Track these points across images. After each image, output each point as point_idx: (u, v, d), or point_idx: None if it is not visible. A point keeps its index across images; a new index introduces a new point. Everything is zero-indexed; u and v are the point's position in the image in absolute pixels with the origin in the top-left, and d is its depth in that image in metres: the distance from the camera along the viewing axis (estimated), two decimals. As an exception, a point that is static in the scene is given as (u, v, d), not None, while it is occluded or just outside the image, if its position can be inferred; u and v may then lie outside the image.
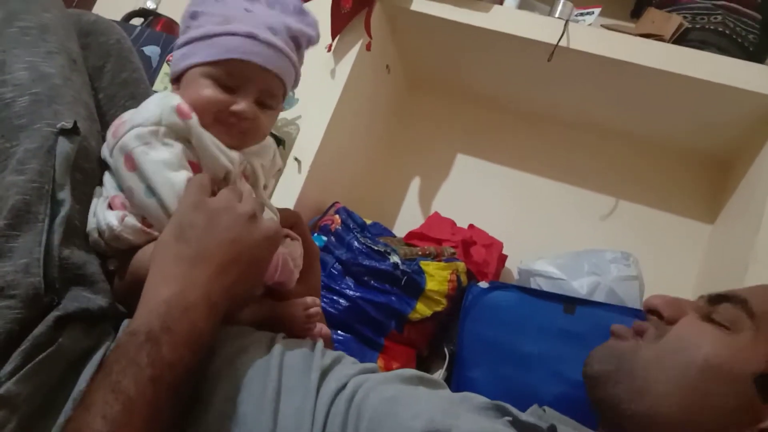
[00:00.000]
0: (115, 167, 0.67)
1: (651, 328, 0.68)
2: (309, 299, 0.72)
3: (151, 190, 0.65)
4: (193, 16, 0.71)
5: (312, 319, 0.71)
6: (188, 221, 0.61)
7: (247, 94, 0.69)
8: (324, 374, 0.60)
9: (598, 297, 1.10)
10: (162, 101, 0.67)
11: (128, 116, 0.69)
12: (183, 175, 0.65)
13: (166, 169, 0.64)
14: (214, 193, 0.65)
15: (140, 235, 0.66)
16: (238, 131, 0.70)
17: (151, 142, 0.65)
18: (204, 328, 0.56)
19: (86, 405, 0.49)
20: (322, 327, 0.73)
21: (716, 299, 0.66)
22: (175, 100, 0.67)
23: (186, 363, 0.53)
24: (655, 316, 0.69)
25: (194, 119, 0.67)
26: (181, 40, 0.72)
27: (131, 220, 0.65)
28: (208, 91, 0.68)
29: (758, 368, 0.60)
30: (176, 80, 0.72)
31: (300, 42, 0.74)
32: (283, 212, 0.78)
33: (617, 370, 0.66)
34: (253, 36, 0.68)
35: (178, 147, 0.66)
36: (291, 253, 0.72)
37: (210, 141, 0.67)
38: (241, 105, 0.68)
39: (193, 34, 0.70)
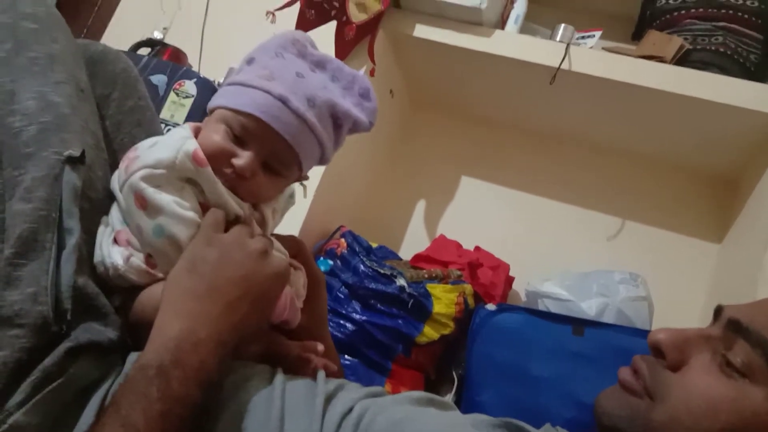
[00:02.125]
0: (126, 203, 0.67)
1: (646, 374, 0.62)
2: (311, 344, 0.71)
3: (161, 230, 0.64)
4: (249, 61, 0.71)
5: (306, 363, 0.69)
6: (200, 256, 0.61)
7: (252, 152, 0.67)
8: (329, 399, 0.59)
9: (607, 318, 1.10)
10: (178, 144, 0.66)
11: (142, 151, 0.68)
12: (194, 215, 0.65)
13: (178, 210, 0.64)
14: (226, 230, 0.65)
15: (144, 276, 0.65)
16: (233, 184, 0.68)
17: (162, 184, 0.65)
18: (213, 365, 0.55)
19: None
20: (326, 363, 0.70)
21: (734, 328, 0.59)
22: (192, 145, 0.66)
23: (194, 398, 0.53)
24: (659, 356, 0.62)
25: (209, 169, 0.66)
26: (231, 79, 0.71)
27: (136, 260, 0.65)
28: (218, 137, 0.67)
29: None
30: (210, 113, 0.72)
31: (341, 122, 0.72)
32: (285, 240, 0.76)
33: (630, 429, 0.60)
34: (285, 100, 0.66)
35: (188, 189, 0.66)
36: (294, 282, 0.71)
37: (222, 188, 0.67)
38: (241, 160, 0.67)
39: (237, 78, 0.69)
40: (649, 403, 0.60)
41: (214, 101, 0.71)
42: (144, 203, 0.65)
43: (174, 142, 0.67)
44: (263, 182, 0.69)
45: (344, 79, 0.72)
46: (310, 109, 0.68)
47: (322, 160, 0.75)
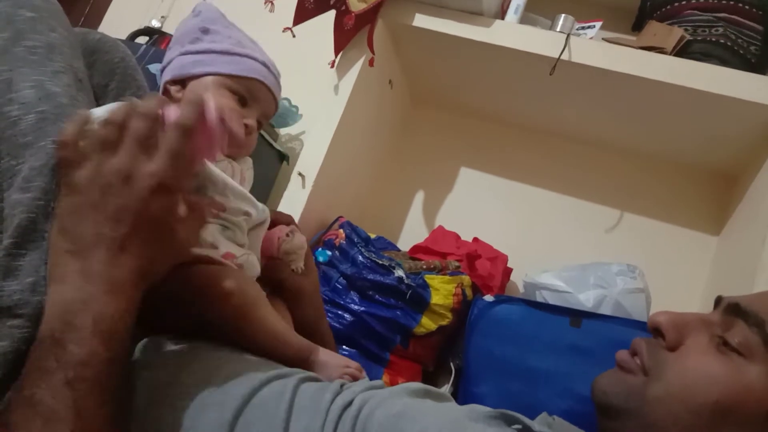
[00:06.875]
0: None
1: (644, 352, 0.64)
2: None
3: None
4: (204, 30, 0.77)
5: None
6: (62, 209, 0.56)
7: (254, 112, 0.76)
8: (335, 395, 0.59)
9: (605, 310, 1.10)
10: None
11: None
12: None
13: None
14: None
15: None
16: (238, 142, 0.74)
17: None
18: (114, 314, 0.52)
19: (8, 430, 0.47)
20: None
21: (733, 310, 0.61)
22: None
23: (100, 355, 0.50)
24: (660, 336, 0.64)
25: None
26: (191, 48, 0.76)
27: None
28: (227, 101, 0.73)
29: None
30: (178, 82, 0.76)
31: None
32: (276, 215, 0.82)
33: (626, 408, 0.62)
34: (267, 65, 0.78)
35: None
36: (301, 245, 0.79)
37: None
38: (251, 120, 0.75)
39: (211, 47, 0.75)
40: (645, 379, 0.62)
41: (194, 69, 0.75)
42: None
43: None
44: (255, 137, 0.78)
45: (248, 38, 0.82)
46: (275, 70, 0.80)
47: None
